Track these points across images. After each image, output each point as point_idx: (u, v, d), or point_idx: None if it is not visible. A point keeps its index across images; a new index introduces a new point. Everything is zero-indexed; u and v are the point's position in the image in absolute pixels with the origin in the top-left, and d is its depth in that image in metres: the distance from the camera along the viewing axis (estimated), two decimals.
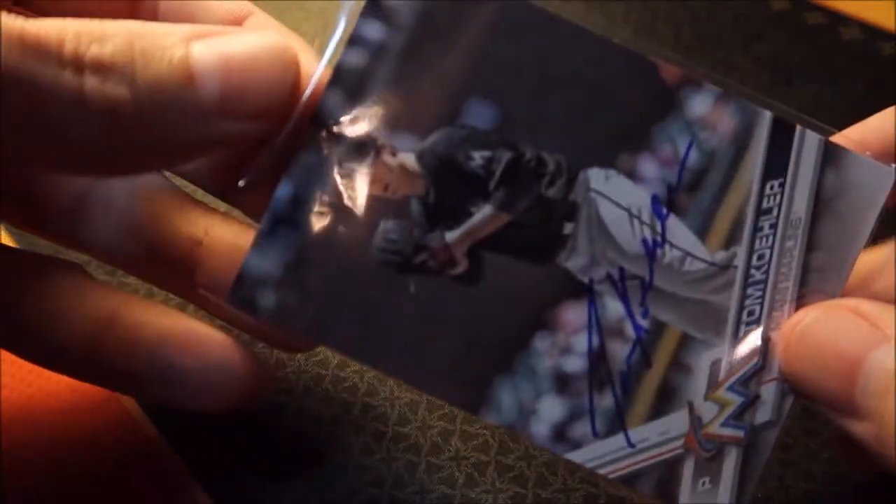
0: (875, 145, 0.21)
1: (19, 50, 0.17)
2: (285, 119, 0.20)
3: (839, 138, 0.21)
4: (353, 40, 0.21)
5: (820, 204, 0.21)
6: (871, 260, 0.22)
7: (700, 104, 0.21)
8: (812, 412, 0.27)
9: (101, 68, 0.18)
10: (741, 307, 0.21)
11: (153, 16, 0.23)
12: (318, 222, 0.21)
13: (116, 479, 0.25)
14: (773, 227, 0.21)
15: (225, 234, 0.23)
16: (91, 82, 0.17)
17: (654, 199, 0.21)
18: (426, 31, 0.21)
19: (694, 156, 0.21)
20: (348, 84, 0.21)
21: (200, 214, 0.23)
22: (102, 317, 0.21)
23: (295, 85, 0.20)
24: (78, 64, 0.17)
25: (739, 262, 0.21)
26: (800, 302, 0.21)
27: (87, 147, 0.18)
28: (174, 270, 0.23)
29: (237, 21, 0.22)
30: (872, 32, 0.38)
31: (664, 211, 0.21)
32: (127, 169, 0.20)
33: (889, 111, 0.21)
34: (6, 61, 0.17)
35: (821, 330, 0.20)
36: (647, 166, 0.21)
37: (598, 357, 0.21)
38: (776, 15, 0.39)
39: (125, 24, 0.18)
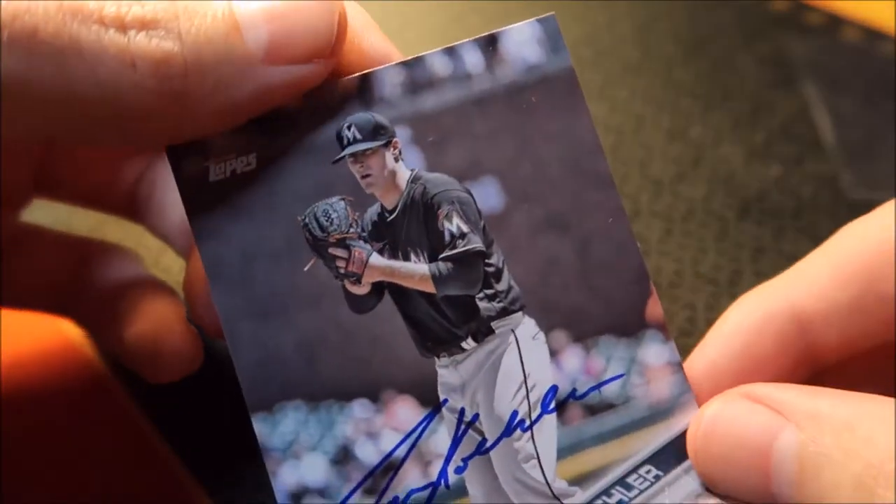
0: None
1: (59, 15, 0.17)
2: (334, 61, 0.19)
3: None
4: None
5: None
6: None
7: (655, 355, 0.20)
8: None
9: (146, 25, 0.17)
10: None
11: None
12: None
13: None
14: None
15: None
16: (137, 39, 0.17)
17: (552, 391, 0.20)
18: (508, 93, 0.21)
19: (614, 389, 0.20)
20: (417, 79, 0.20)
21: None
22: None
23: (342, 25, 0.19)
24: (121, 23, 0.17)
25: None
26: None
27: (138, 113, 0.18)
28: None
29: None
30: (872, 33, 0.37)
31: (551, 407, 0.20)
32: (183, 133, 0.19)
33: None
34: (49, 27, 0.17)
35: (723, 424, 0.18)
36: (572, 360, 0.20)
37: (389, 467, 0.19)
38: (776, 15, 0.38)
39: None
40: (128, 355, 0.23)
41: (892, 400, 0.17)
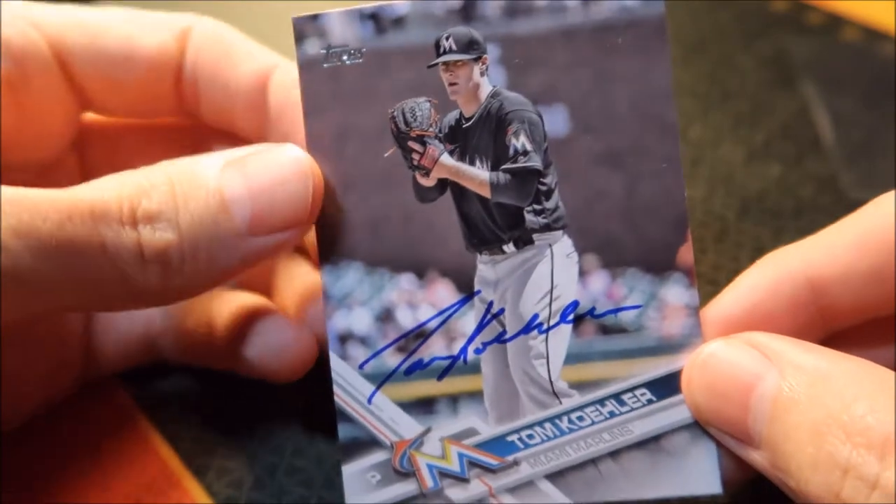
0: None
1: (91, 221, 0.20)
2: (311, 224, 0.22)
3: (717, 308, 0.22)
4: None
5: (651, 443, 0.22)
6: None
7: (676, 296, 0.22)
8: None
9: (152, 218, 0.21)
10: (529, 429, 0.22)
11: (194, 90, 0.26)
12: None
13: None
14: (612, 414, 0.22)
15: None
16: (145, 233, 0.21)
17: (573, 305, 0.22)
18: (596, 30, 0.22)
19: (630, 316, 0.22)
20: (517, 4, 0.22)
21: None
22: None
23: (317, 193, 0.22)
24: (133, 220, 0.21)
25: (566, 404, 0.22)
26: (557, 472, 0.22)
27: (144, 289, 0.21)
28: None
29: (265, 76, 0.25)
30: (872, 33, 0.37)
31: (569, 318, 0.22)
32: (178, 299, 0.23)
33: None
34: (83, 233, 0.20)
35: (718, 360, 0.20)
36: (598, 283, 0.22)
37: (421, 334, 0.23)
38: (776, 15, 0.39)
39: (165, 169, 0.21)
40: (252, 372, 0.26)
41: (875, 365, 0.18)
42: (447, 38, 0.22)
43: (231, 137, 0.27)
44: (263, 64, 0.26)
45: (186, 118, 0.27)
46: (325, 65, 0.23)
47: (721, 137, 0.35)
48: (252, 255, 0.22)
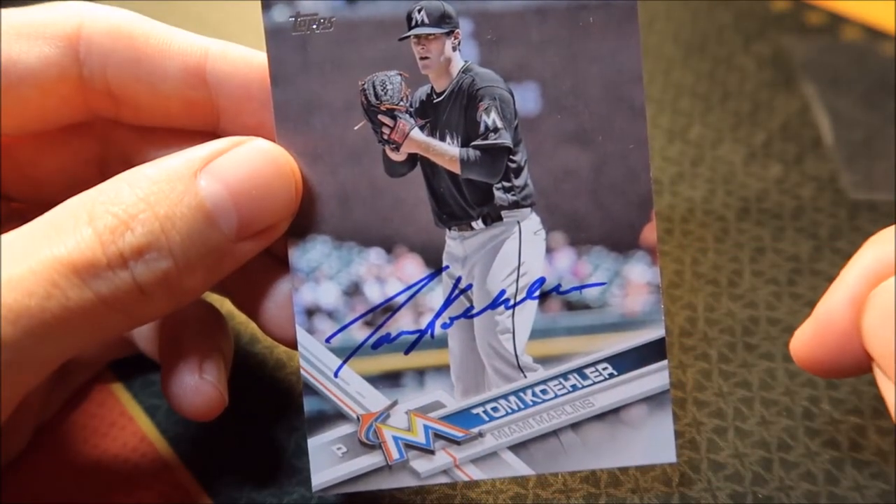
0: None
1: (78, 280, 0.19)
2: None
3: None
4: None
5: (611, 416, 0.23)
6: None
7: (639, 274, 0.23)
8: (812, 413, 0.27)
9: (141, 253, 0.19)
10: (494, 402, 0.23)
11: (106, 95, 0.23)
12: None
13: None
14: (574, 388, 0.23)
15: None
16: (138, 270, 0.19)
17: (539, 282, 0.23)
18: (569, 9, 0.22)
19: (594, 293, 0.23)
20: None
21: None
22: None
23: (298, 188, 0.22)
24: (122, 261, 0.19)
25: (530, 378, 0.23)
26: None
27: (145, 315, 0.21)
28: None
29: (200, 65, 0.23)
30: (872, 33, 0.38)
31: (535, 294, 0.23)
32: (179, 307, 0.22)
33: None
34: (74, 295, 0.19)
35: None
36: (564, 261, 0.23)
37: (388, 309, 0.23)
38: (776, 15, 0.40)
39: (133, 190, 0.20)
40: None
41: None
42: (419, 11, 0.22)
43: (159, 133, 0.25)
44: (189, 53, 0.23)
45: (102, 122, 0.25)
46: (293, 33, 0.22)
47: (721, 137, 0.35)
48: (243, 256, 0.22)
